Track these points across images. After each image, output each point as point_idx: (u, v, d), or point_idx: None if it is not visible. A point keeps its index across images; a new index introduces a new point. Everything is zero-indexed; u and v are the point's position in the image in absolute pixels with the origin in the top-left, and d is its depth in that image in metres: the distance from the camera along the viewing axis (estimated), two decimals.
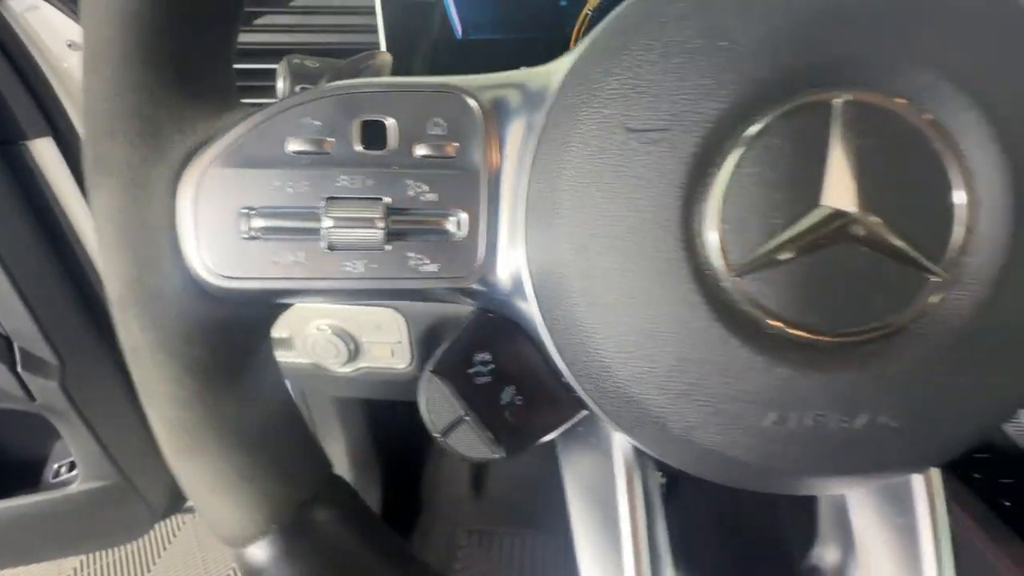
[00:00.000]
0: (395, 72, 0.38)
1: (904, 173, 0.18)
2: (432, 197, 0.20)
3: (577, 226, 0.19)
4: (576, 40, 0.44)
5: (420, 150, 0.20)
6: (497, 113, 0.21)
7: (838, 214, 0.18)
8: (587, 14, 0.44)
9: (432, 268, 0.21)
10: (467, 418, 0.22)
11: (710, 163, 0.18)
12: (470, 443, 0.22)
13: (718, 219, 0.18)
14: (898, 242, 0.18)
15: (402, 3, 0.42)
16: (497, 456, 0.22)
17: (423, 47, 0.44)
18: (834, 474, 0.20)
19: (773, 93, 0.18)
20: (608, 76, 0.19)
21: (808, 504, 0.28)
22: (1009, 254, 0.18)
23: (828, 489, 0.25)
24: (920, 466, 0.22)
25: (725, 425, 0.19)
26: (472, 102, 0.20)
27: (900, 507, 0.23)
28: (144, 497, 0.68)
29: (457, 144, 0.20)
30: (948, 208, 0.18)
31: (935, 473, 0.22)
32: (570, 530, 0.24)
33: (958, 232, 0.18)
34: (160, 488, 0.69)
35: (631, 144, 0.18)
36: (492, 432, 0.22)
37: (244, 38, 0.44)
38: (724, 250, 0.19)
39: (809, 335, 0.19)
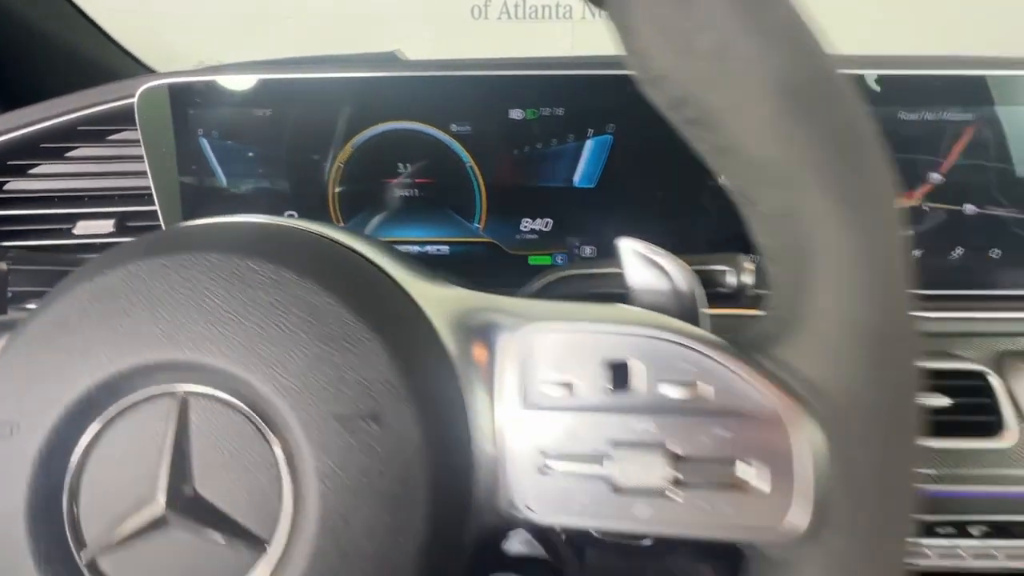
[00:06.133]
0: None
1: (234, 459, 0.20)
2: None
3: None
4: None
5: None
6: None
7: (172, 498, 0.19)
8: (340, 166, 0.50)
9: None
10: None
11: (65, 449, 0.20)
12: None
13: (70, 501, 0.20)
14: (225, 522, 0.19)
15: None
16: None
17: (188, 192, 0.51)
18: None
19: (122, 385, 0.20)
20: None
21: None
22: (322, 529, 0.19)
23: None
24: None
25: None
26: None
27: None
28: None
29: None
30: (276, 487, 0.19)
31: None
32: None
33: (286, 509, 0.19)
34: None
35: None
36: None
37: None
38: (80, 529, 0.20)
39: None
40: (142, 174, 0.54)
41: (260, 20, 1.06)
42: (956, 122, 0.48)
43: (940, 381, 0.46)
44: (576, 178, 0.50)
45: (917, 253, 0.52)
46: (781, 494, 0.20)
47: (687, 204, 0.51)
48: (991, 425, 0.46)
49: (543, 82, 0.48)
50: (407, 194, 0.52)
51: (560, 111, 0.49)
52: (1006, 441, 0.45)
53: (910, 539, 0.20)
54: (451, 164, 0.51)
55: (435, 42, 1.01)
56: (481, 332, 0.23)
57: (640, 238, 0.25)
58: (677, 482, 0.20)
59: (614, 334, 0.22)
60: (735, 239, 0.54)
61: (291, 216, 0.54)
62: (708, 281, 0.31)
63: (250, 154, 0.52)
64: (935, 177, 0.50)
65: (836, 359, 0.19)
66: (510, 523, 0.22)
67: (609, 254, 0.27)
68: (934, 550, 0.46)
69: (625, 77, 0.47)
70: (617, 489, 0.21)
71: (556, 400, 0.21)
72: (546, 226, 0.52)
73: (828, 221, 0.19)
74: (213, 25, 1.06)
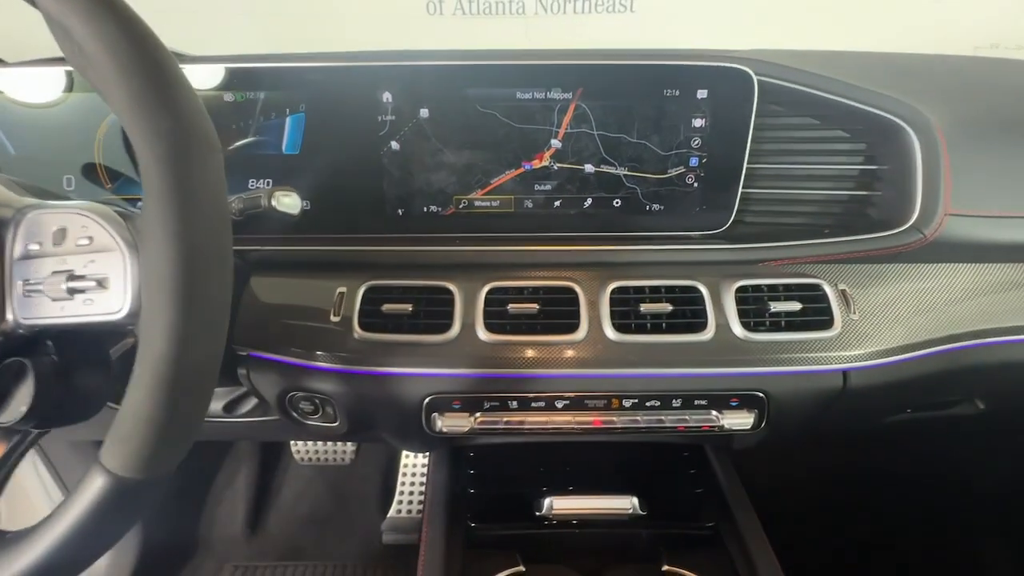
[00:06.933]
0: None
1: None
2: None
3: None
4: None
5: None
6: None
7: None
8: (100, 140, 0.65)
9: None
10: None
11: None
12: None
13: None
14: None
15: None
16: None
17: None
18: None
19: None
20: None
21: None
22: None
23: None
24: None
25: None
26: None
27: None
28: None
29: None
30: None
31: None
32: None
33: None
34: None
35: None
36: None
37: None
38: None
39: None
40: None
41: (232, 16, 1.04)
42: (561, 100, 0.63)
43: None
44: (284, 146, 0.65)
45: (557, 203, 0.67)
46: (120, 291, 0.36)
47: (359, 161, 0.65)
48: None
49: (242, 73, 0.63)
50: None
51: (261, 95, 0.63)
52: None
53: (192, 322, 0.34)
54: None
55: (390, 38, 1.02)
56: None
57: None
58: (72, 291, 0.35)
59: (62, 213, 0.37)
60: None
61: (68, 179, 0.68)
62: (256, 200, 0.47)
63: (34, 130, 0.66)
64: (555, 143, 0.64)
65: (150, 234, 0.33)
66: (14, 336, 0.37)
67: None
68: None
69: (313, 68, 0.63)
70: (53, 299, 0.36)
71: (35, 252, 0.36)
72: (266, 184, 0.67)
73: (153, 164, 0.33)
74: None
